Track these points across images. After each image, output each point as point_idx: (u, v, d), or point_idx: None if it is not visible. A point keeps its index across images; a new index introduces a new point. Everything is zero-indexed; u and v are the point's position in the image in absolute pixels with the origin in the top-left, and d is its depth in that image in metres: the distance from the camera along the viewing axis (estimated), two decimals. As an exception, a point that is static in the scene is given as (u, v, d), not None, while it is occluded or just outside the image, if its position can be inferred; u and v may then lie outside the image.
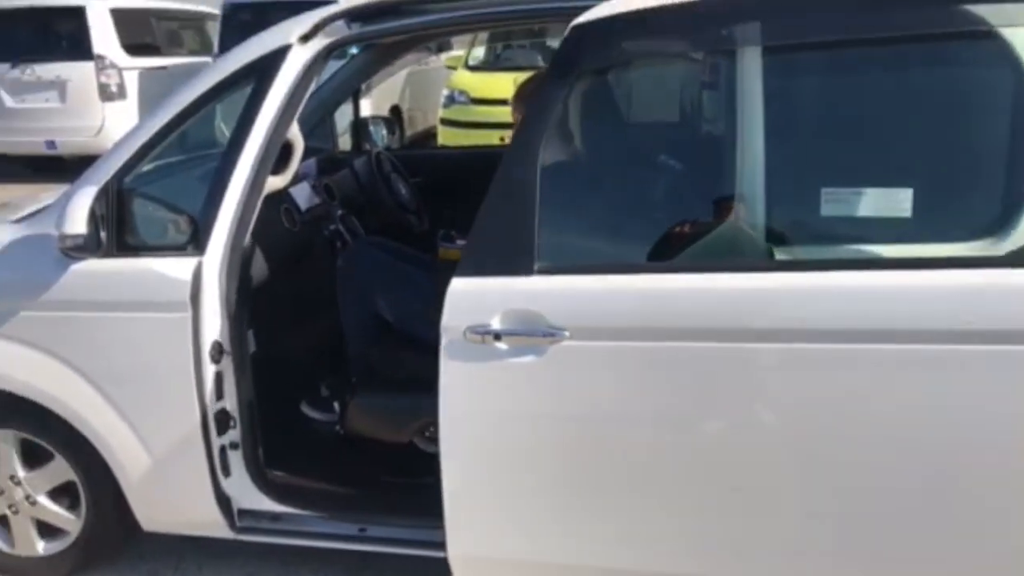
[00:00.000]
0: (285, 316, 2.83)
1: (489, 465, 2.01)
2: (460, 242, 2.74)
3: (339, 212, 3.29)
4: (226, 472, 2.38)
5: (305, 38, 2.32)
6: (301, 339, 2.99)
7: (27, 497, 2.58)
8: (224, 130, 2.46)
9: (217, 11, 9.28)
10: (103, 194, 2.22)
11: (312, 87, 2.41)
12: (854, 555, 1.88)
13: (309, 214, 3.11)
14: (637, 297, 1.89)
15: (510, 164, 1.96)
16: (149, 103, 8.35)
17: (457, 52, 8.99)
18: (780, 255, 1.93)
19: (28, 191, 5.01)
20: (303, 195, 3.14)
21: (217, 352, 2.28)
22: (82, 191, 2.20)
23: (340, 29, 2.33)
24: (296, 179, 2.96)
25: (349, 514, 2.44)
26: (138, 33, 9.20)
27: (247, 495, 2.42)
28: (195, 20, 10.71)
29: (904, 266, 1.79)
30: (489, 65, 8.46)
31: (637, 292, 1.89)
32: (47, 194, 2.89)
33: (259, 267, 2.61)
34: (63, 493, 2.59)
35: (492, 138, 7.14)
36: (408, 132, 9.56)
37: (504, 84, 7.04)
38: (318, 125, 3.60)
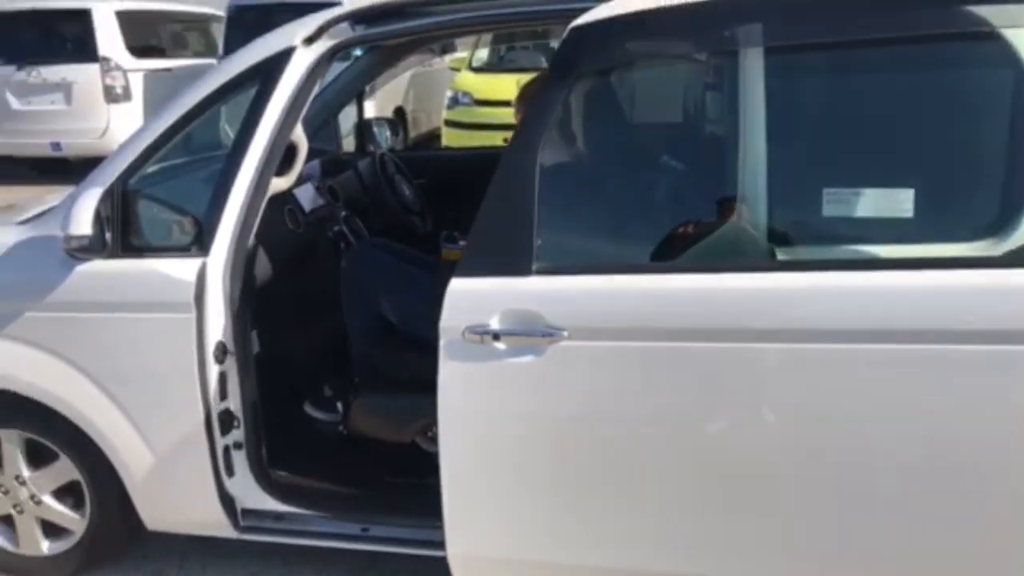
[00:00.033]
0: (289, 317, 2.84)
1: (488, 464, 2.02)
2: (463, 243, 2.75)
3: (343, 213, 3.30)
4: (230, 472, 2.39)
5: (309, 40, 2.33)
6: (305, 340, 3.00)
7: (32, 497, 2.59)
8: (229, 132, 2.47)
9: (222, 13, 9.29)
10: (108, 195, 2.23)
11: (316, 89, 2.42)
12: (856, 555, 1.88)
13: (313, 215, 3.12)
14: (636, 297, 1.89)
15: (509, 165, 1.97)
16: (154, 105, 8.36)
17: (461, 54, 9.02)
18: (782, 255, 1.94)
19: (33, 193, 5.04)
20: (307, 196, 3.15)
21: (221, 352, 2.29)
22: (87, 192, 2.21)
23: (344, 31, 2.34)
24: (300, 180, 2.97)
25: (352, 514, 2.45)
26: (143, 35, 9.23)
27: (251, 495, 2.43)
28: (200, 22, 10.73)
29: (904, 266, 1.80)
30: (493, 67, 8.47)
31: (636, 292, 1.90)
32: (52, 196, 2.90)
33: (263, 268, 2.62)
34: (67, 493, 2.60)
35: (496, 139, 7.14)
36: (412, 133, 9.57)
37: (508, 85, 7.05)
38: (322, 127, 3.61)
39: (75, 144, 8.75)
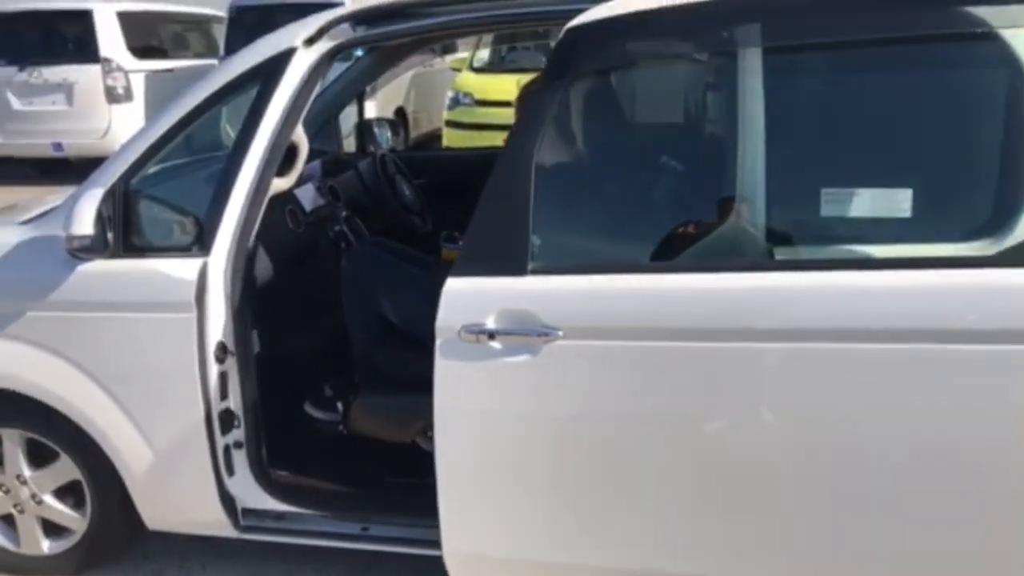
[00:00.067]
0: (289, 317, 2.85)
1: (483, 463, 2.03)
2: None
3: (343, 213, 3.31)
4: (230, 471, 2.39)
5: (310, 41, 2.34)
6: (305, 339, 3.01)
7: (33, 496, 2.60)
8: (230, 132, 2.48)
9: (223, 14, 9.31)
10: (110, 196, 2.24)
11: (317, 90, 2.42)
12: (852, 555, 1.89)
13: (313, 215, 3.13)
14: (631, 297, 1.90)
15: (505, 165, 1.97)
16: (155, 106, 8.39)
17: (462, 54, 9.02)
18: (780, 255, 1.94)
19: (35, 193, 5.04)
20: (308, 196, 3.16)
21: (221, 352, 2.29)
22: (89, 193, 2.22)
23: (345, 32, 2.35)
24: (301, 181, 2.97)
25: (352, 513, 2.46)
26: (144, 36, 9.25)
27: (251, 494, 2.43)
28: (201, 23, 10.75)
29: (901, 266, 1.80)
30: (494, 67, 8.47)
31: (631, 292, 1.90)
32: (54, 196, 2.91)
33: (264, 268, 2.63)
34: (68, 492, 2.61)
35: (496, 140, 7.13)
36: (413, 134, 9.58)
37: (508, 86, 7.06)
38: (323, 127, 3.62)
39: (76, 144, 8.78)
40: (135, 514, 2.51)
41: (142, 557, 2.77)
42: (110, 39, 8.69)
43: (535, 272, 1.93)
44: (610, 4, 1.96)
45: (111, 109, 8.69)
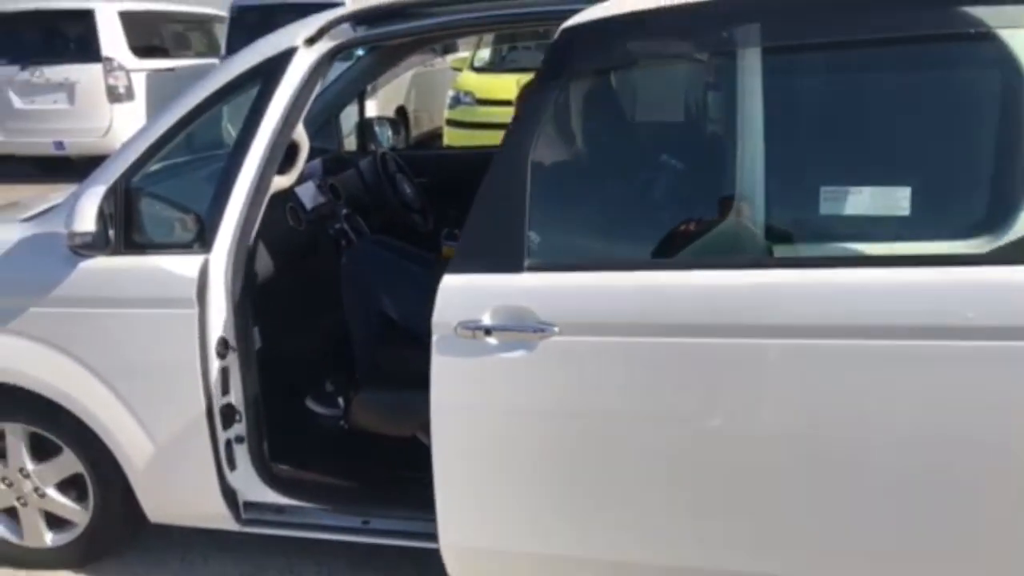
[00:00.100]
0: (290, 313, 2.87)
1: (479, 458, 2.05)
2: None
3: (344, 211, 3.33)
4: (232, 465, 2.42)
5: (311, 41, 2.36)
6: (306, 336, 3.03)
7: (36, 489, 2.63)
8: (231, 131, 2.50)
9: (224, 13, 9.32)
10: (111, 193, 2.26)
11: (318, 89, 2.44)
12: (853, 550, 1.90)
13: (314, 213, 3.15)
14: (627, 293, 1.92)
15: (501, 163, 1.99)
16: (157, 105, 8.41)
17: (463, 54, 9.02)
18: (778, 253, 1.96)
19: (37, 191, 5.06)
20: (308, 194, 3.18)
21: (223, 348, 2.32)
22: (91, 190, 2.24)
23: (345, 32, 2.37)
24: (302, 179, 2.99)
25: (353, 507, 2.48)
26: (146, 35, 9.26)
27: (252, 488, 2.46)
28: (202, 22, 10.76)
29: (897, 263, 1.81)
30: (494, 66, 8.48)
31: (627, 289, 1.92)
32: (56, 194, 2.93)
33: (264, 265, 2.65)
34: (71, 485, 2.63)
35: (497, 139, 7.05)
36: (414, 133, 9.59)
37: (509, 85, 7.07)
38: (324, 126, 3.64)
39: (78, 143, 8.80)
40: (137, 507, 2.53)
41: (144, 550, 2.79)
42: (112, 38, 8.71)
43: (531, 269, 1.95)
44: (606, 4, 1.98)
45: (112, 108, 8.71)
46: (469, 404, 2.02)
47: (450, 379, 2.00)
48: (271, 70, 2.35)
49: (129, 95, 8.78)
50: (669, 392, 1.91)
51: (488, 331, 1.95)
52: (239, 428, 2.40)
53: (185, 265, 2.28)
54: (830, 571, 1.95)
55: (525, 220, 1.95)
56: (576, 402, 1.96)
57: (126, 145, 2.40)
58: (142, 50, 9.00)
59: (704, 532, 1.99)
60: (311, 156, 2.89)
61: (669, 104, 2.33)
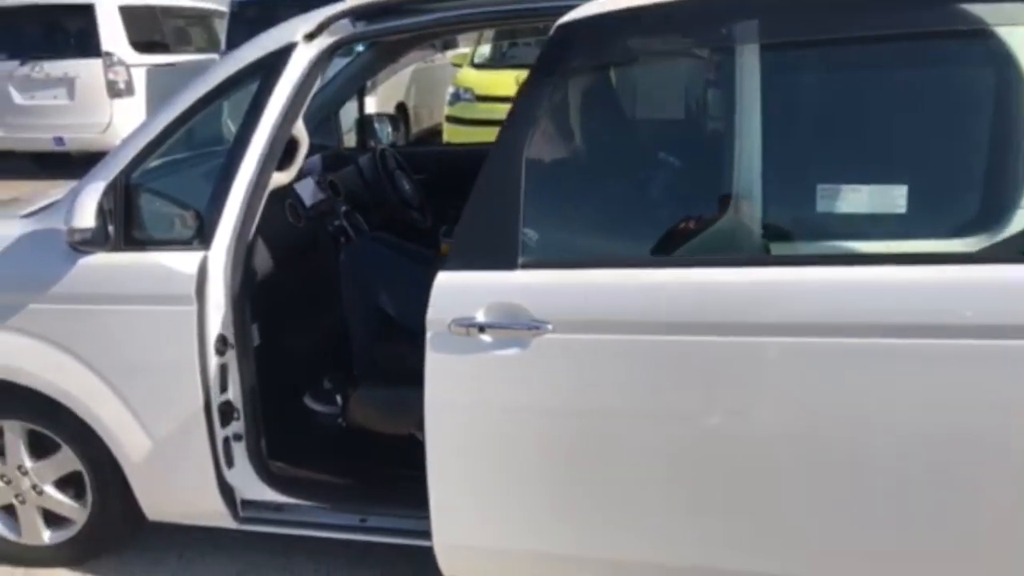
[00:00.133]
0: (289, 310, 2.87)
1: (473, 455, 2.05)
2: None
3: (343, 208, 3.32)
4: (229, 463, 2.41)
5: (310, 36, 2.35)
6: (304, 333, 3.02)
7: (34, 487, 2.62)
8: (231, 127, 2.49)
9: (225, 8, 9.31)
10: (111, 189, 2.26)
11: (317, 85, 2.44)
12: (848, 548, 1.90)
13: (313, 210, 3.15)
14: (621, 291, 1.92)
15: (496, 160, 1.99)
16: (157, 100, 8.40)
17: (463, 50, 9.03)
18: (776, 250, 1.96)
19: (36, 187, 5.06)
20: (308, 191, 3.17)
21: (222, 345, 2.31)
22: (90, 186, 2.23)
23: (345, 27, 2.36)
24: (301, 175, 2.99)
25: (350, 505, 2.48)
26: (146, 30, 9.25)
27: (250, 486, 2.45)
28: (203, 17, 10.76)
29: (891, 261, 1.81)
30: (494, 63, 8.47)
31: (621, 286, 1.92)
32: (55, 190, 2.92)
33: (263, 262, 2.64)
34: (69, 483, 2.63)
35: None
36: (414, 129, 9.59)
37: (509, 82, 7.07)
38: (323, 122, 3.63)
39: (78, 139, 8.79)
40: (135, 505, 2.53)
41: (142, 547, 2.79)
42: (112, 33, 8.69)
43: (525, 266, 1.95)
44: (600, 1, 1.97)
45: (112, 103, 8.69)
46: (463, 402, 2.02)
47: (444, 376, 2.00)
48: (271, 66, 2.34)
49: (129, 90, 8.77)
50: (664, 390, 1.90)
51: (482, 328, 1.95)
52: (237, 425, 2.40)
53: (184, 261, 2.28)
54: (827, 571, 1.95)
55: (519, 217, 1.94)
56: (570, 400, 1.96)
57: (126, 141, 2.40)
58: (142, 45, 8.99)
59: (698, 531, 1.98)
60: (310, 152, 2.89)
61: (665, 101, 2.33)
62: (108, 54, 8.64)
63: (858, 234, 1.91)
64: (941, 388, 1.75)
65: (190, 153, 2.79)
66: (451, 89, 8.36)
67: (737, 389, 1.87)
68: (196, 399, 2.31)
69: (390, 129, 3.99)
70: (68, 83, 8.73)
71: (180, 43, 9.96)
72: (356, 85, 3.78)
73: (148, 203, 2.33)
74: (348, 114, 4.05)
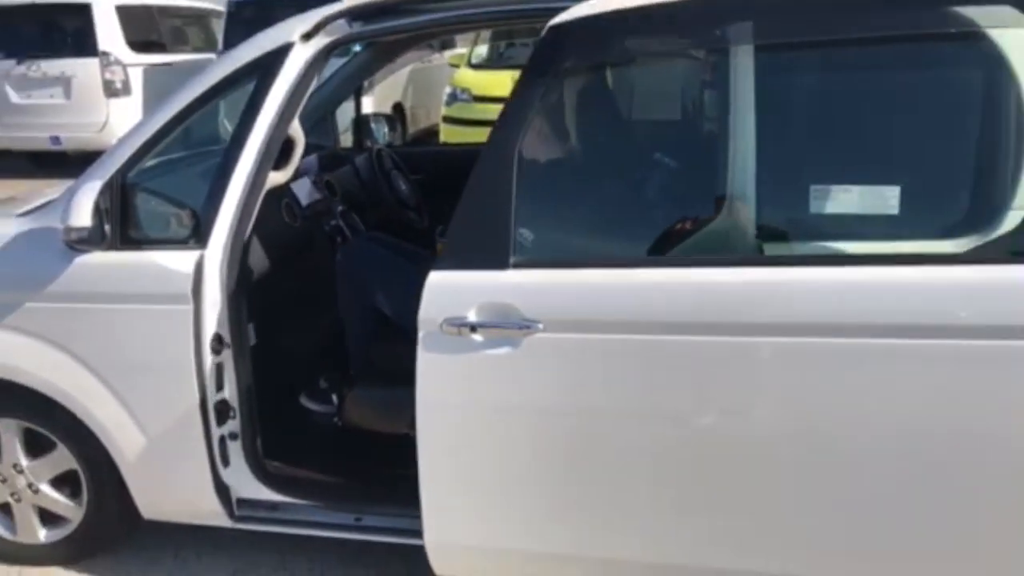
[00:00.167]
0: (285, 310, 2.87)
1: (464, 454, 2.05)
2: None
3: (339, 208, 3.33)
4: (225, 462, 2.42)
5: (307, 36, 2.36)
6: (300, 332, 3.03)
7: (29, 485, 2.62)
8: (227, 126, 2.50)
9: (222, 8, 9.31)
10: (107, 188, 2.26)
11: (314, 85, 2.44)
12: (842, 548, 1.91)
13: (310, 209, 3.15)
14: (612, 291, 1.92)
15: (488, 160, 2.00)
16: (153, 99, 8.39)
17: (460, 50, 9.03)
18: (769, 251, 1.97)
19: (32, 186, 5.05)
20: (304, 191, 3.17)
21: (217, 344, 2.31)
22: (87, 185, 2.24)
23: (342, 28, 2.37)
24: (297, 175, 2.99)
25: (346, 504, 2.48)
26: (143, 30, 9.24)
27: (246, 485, 2.46)
28: (200, 17, 10.75)
29: (881, 262, 1.82)
30: (492, 63, 8.48)
31: (612, 286, 1.93)
32: (52, 189, 2.93)
33: (260, 261, 2.65)
34: (65, 481, 2.63)
35: (494, 137, 7.13)
36: (411, 129, 9.60)
37: (506, 82, 7.06)
38: (320, 122, 3.64)
39: (74, 138, 8.78)
40: (131, 504, 2.53)
41: (138, 546, 2.79)
42: (109, 33, 8.69)
43: (517, 266, 1.96)
44: (592, 2, 1.98)
45: (109, 103, 8.69)
46: (454, 401, 2.03)
47: (436, 376, 2.01)
48: (267, 66, 2.34)
49: (126, 90, 8.76)
50: (654, 389, 1.91)
51: (473, 328, 1.96)
52: (233, 424, 2.40)
53: (180, 261, 2.28)
54: (826, 570, 1.96)
55: (511, 217, 1.95)
56: (561, 399, 1.97)
57: (122, 140, 2.40)
58: (139, 45, 8.99)
59: (689, 530, 1.99)
60: (307, 152, 2.89)
61: (657, 102, 2.34)
62: (105, 53, 8.63)
63: (851, 235, 1.92)
64: (932, 388, 1.76)
65: (186, 152, 2.79)
66: (448, 89, 8.37)
67: (726, 389, 1.87)
68: (192, 398, 2.31)
69: (387, 129, 3.99)
70: (65, 82, 8.72)
71: (177, 43, 9.96)
72: (353, 85, 3.78)
73: (144, 202, 2.33)
74: (345, 114, 4.06)
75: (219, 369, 2.34)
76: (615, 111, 2.40)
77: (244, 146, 2.31)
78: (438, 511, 2.11)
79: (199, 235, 2.30)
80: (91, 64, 8.64)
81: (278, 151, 2.41)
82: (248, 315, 2.41)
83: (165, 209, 2.36)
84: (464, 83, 8.21)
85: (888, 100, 1.96)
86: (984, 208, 1.84)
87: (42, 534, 2.69)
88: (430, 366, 2.00)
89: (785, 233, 2.03)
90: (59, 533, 2.68)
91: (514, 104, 2.01)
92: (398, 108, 9.10)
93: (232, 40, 8.01)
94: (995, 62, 1.81)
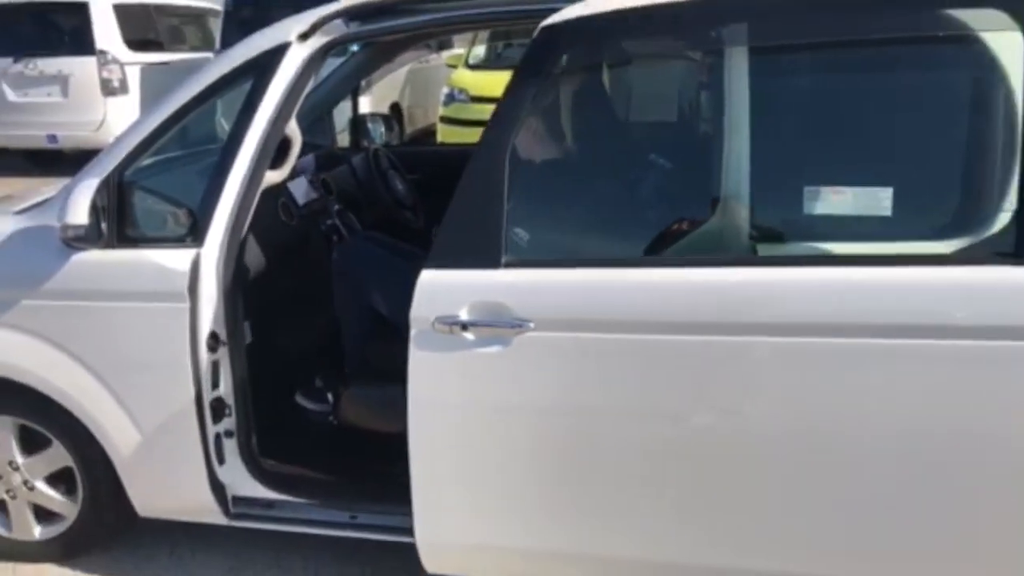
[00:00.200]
0: (281, 308, 2.87)
1: (455, 453, 2.06)
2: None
3: (336, 207, 3.33)
4: (221, 460, 2.42)
5: (304, 36, 2.37)
6: (296, 331, 3.03)
7: (25, 482, 2.63)
8: (224, 125, 2.50)
9: (219, 7, 9.29)
10: (104, 186, 2.26)
11: (311, 84, 2.45)
12: (837, 548, 1.92)
13: (306, 208, 3.15)
14: (603, 290, 1.93)
15: (480, 160, 2.01)
16: (151, 98, 8.38)
17: (458, 50, 9.03)
18: (762, 251, 1.98)
19: (29, 184, 5.05)
20: (301, 190, 3.18)
21: (213, 342, 2.32)
22: (84, 183, 2.24)
23: (339, 27, 2.37)
24: (294, 174, 2.99)
25: (341, 502, 2.49)
26: (140, 28, 9.24)
27: (241, 482, 2.46)
28: (197, 16, 10.74)
29: (874, 263, 1.82)
30: (489, 63, 8.48)
31: (604, 285, 1.94)
32: (49, 187, 2.93)
33: (256, 260, 2.65)
34: (60, 479, 2.63)
35: (491, 137, 7.14)
36: (408, 129, 9.60)
37: (504, 83, 7.04)
38: (317, 121, 3.64)
39: (71, 136, 8.77)
40: (126, 501, 2.54)
41: (133, 544, 2.80)
42: (106, 31, 8.68)
43: (509, 265, 1.97)
44: (585, 3, 1.99)
45: (106, 101, 8.68)
46: (446, 399, 2.04)
47: (427, 374, 2.02)
48: (265, 65, 2.35)
49: (123, 88, 8.75)
50: (645, 388, 1.92)
51: (465, 326, 1.96)
52: (228, 422, 2.41)
53: (177, 259, 2.29)
54: (822, 570, 1.97)
55: (503, 217, 1.96)
56: (552, 397, 1.98)
57: (120, 138, 2.41)
58: (137, 43, 8.98)
59: (685, 528, 2.00)
60: (304, 152, 2.90)
61: (650, 102, 2.35)
62: (102, 52, 8.62)
63: (843, 235, 1.93)
64: (923, 388, 1.77)
65: (184, 151, 2.80)
66: (446, 90, 8.37)
67: (714, 388, 1.88)
68: (188, 396, 2.32)
69: (384, 129, 4.00)
70: (62, 80, 8.71)
71: (174, 41, 9.95)
72: (350, 85, 3.79)
73: (141, 200, 2.34)
74: (342, 114, 4.06)
75: (215, 367, 2.35)
76: (607, 111, 2.41)
77: (241, 145, 2.31)
78: (429, 509, 2.12)
79: (196, 233, 2.30)
80: (88, 63, 8.63)
81: (275, 150, 2.41)
82: (244, 313, 2.42)
83: (162, 207, 2.36)
84: (461, 83, 8.22)
85: (880, 102, 1.98)
86: (975, 209, 1.85)
87: (37, 531, 2.69)
88: (421, 364, 2.01)
89: (778, 234, 2.04)
90: (54, 530, 2.68)
91: (506, 104, 2.02)
92: (395, 108, 9.10)
93: (230, 39, 7.99)
94: (985, 65, 1.82)
